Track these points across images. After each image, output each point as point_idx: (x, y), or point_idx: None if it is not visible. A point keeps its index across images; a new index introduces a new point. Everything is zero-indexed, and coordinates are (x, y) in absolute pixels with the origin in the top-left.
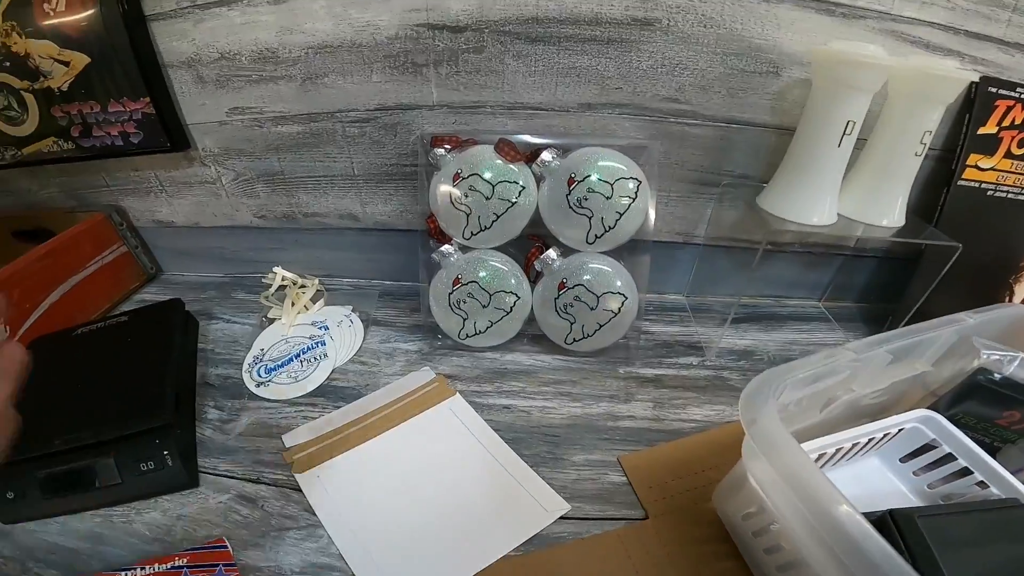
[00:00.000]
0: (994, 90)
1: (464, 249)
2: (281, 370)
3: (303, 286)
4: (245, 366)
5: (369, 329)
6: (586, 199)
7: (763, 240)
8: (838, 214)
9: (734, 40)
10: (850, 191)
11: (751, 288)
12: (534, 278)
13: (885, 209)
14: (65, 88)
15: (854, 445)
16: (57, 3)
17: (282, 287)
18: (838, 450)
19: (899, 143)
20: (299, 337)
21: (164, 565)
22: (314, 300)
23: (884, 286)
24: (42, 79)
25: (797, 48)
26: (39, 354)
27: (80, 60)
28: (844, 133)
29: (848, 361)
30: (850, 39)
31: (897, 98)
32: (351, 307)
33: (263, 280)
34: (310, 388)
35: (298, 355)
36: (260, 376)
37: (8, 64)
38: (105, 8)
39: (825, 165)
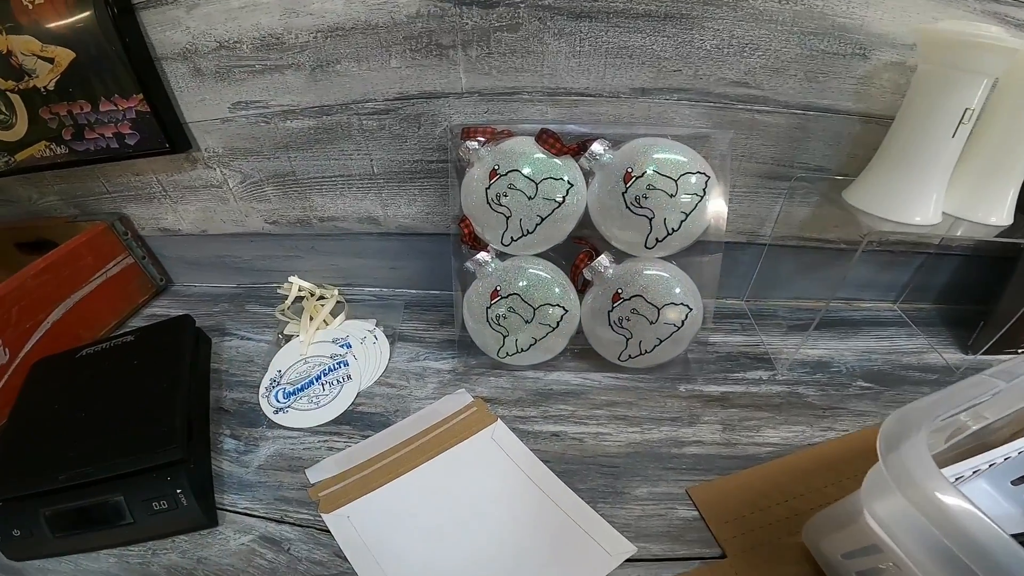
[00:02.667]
0: None
1: (502, 256)
2: (301, 394)
3: (321, 297)
4: (262, 390)
5: (395, 346)
6: (646, 197)
7: (862, 241)
8: (943, 212)
9: (814, 18)
10: (953, 186)
11: (837, 291)
12: (581, 287)
13: (993, 206)
14: (52, 87)
15: (974, 472)
16: None
17: (299, 298)
18: (958, 478)
19: (1013, 133)
20: (319, 356)
21: None
22: (334, 313)
23: (971, 287)
24: (27, 78)
25: (889, 28)
26: (41, 378)
27: (65, 56)
28: (960, 122)
29: (994, 391)
30: (949, 19)
31: (1013, 83)
32: (375, 320)
33: (278, 290)
34: (333, 415)
35: (319, 377)
36: (278, 401)
37: None
38: None
39: (935, 157)
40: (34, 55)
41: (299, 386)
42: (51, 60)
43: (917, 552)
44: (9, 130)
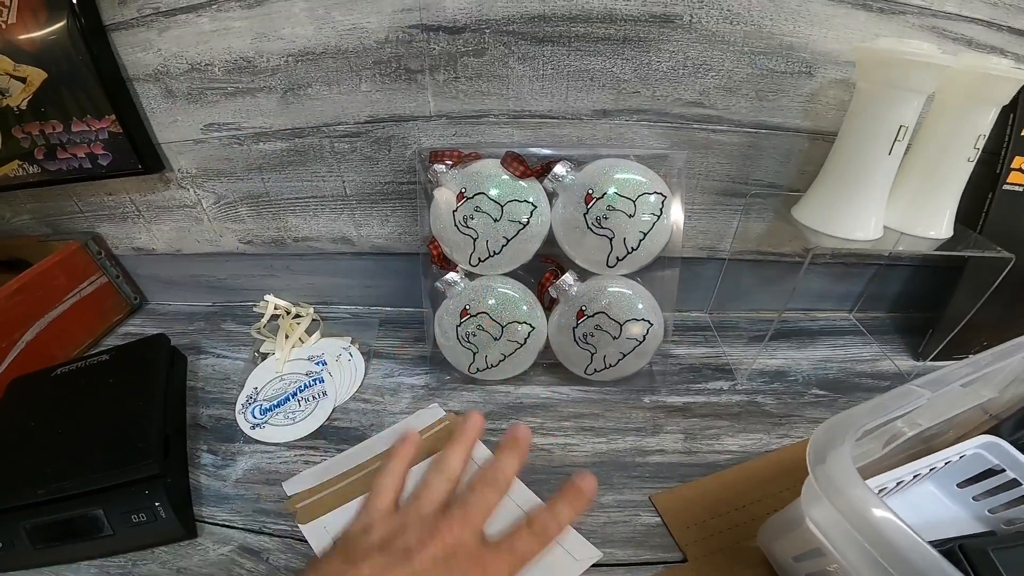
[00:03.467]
0: None
1: (471, 275)
2: (277, 411)
3: (297, 315)
4: (238, 407)
5: (371, 362)
6: (606, 218)
7: (806, 256)
8: (884, 227)
9: (763, 38)
10: (894, 201)
11: (788, 303)
12: (548, 304)
13: (932, 220)
14: (24, 107)
15: (915, 476)
16: (8, 15)
17: (275, 316)
18: (899, 483)
19: (950, 148)
20: (295, 374)
21: None
22: (309, 331)
23: (920, 295)
24: (0, 97)
25: (833, 46)
26: (17, 396)
27: (37, 76)
28: (895, 139)
29: (919, 401)
30: (889, 36)
31: (948, 99)
32: (350, 339)
33: (254, 309)
34: (309, 430)
35: (295, 394)
36: (255, 417)
37: None
38: (59, 19)
39: (873, 174)
40: (7, 74)
41: (275, 402)
42: (23, 80)
43: (852, 556)
44: None
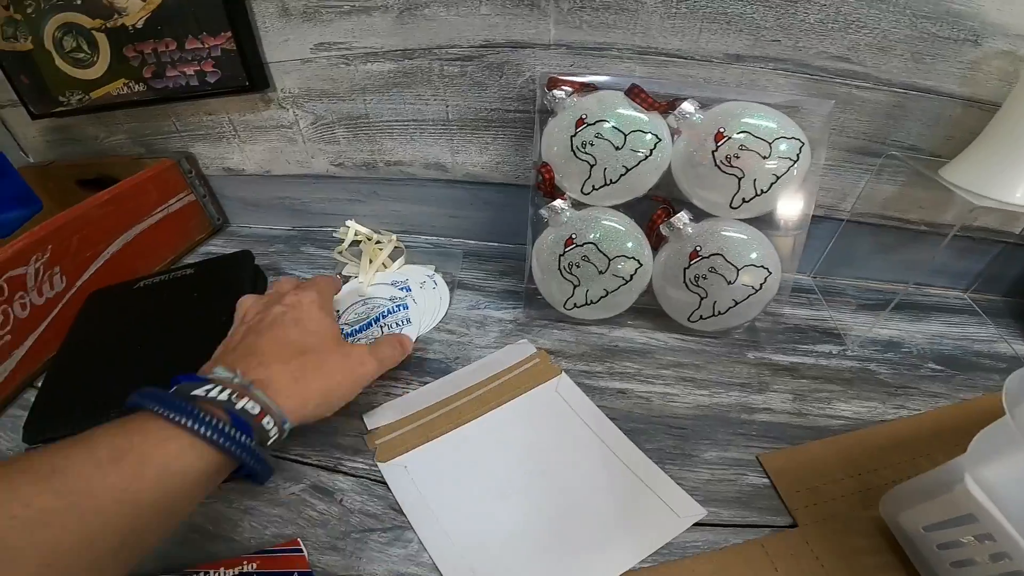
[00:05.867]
0: None
1: (577, 205)
2: (359, 335)
3: (379, 242)
4: None
5: (455, 293)
6: (737, 156)
7: (957, 218)
8: None
9: (930, 2)
10: None
11: (915, 274)
12: (655, 244)
13: None
14: (140, 25)
15: None
16: None
17: (355, 242)
18: None
19: None
20: (378, 298)
21: (231, 571)
22: (392, 258)
23: None
24: (116, 16)
25: (1006, 19)
26: (97, 308)
27: None
28: None
29: None
30: None
31: None
32: (433, 267)
33: (334, 234)
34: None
35: (378, 319)
36: None
37: (79, 2)
38: None
39: None
40: None
41: (358, 326)
42: None
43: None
44: (88, 68)
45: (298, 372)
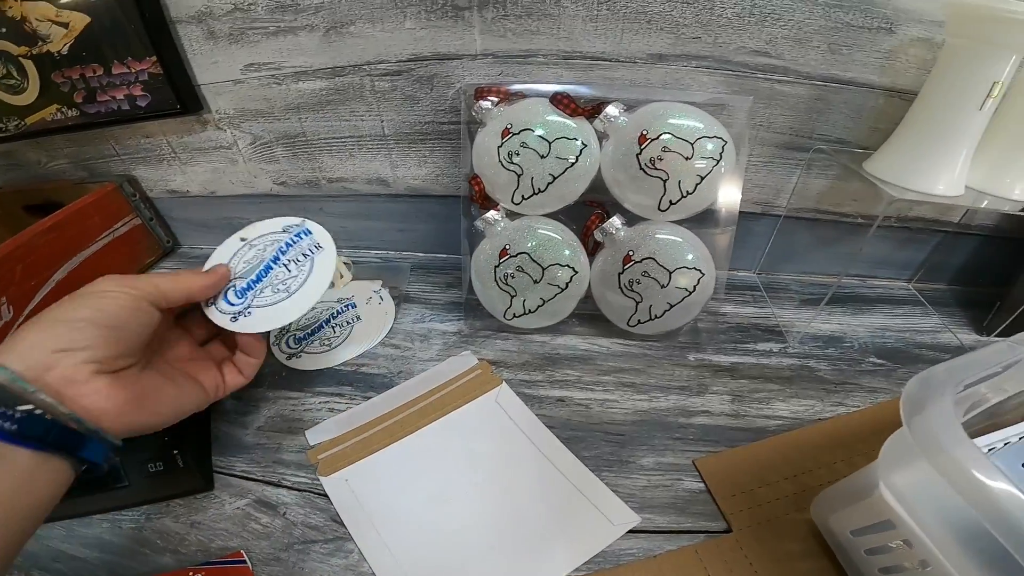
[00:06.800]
0: None
1: (511, 216)
2: (312, 339)
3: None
4: (272, 338)
5: (401, 307)
6: (660, 159)
7: (880, 212)
8: (965, 186)
9: None
10: (978, 161)
11: (850, 266)
12: (592, 250)
13: (1018, 179)
14: (65, 51)
15: (990, 450)
16: None
17: None
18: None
19: None
20: (326, 302)
21: None
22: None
23: (987, 268)
24: (40, 43)
25: (919, 4)
26: None
27: (80, 20)
28: (988, 95)
29: (1016, 361)
30: None
31: None
32: (380, 282)
33: None
34: (349, 356)
35: (328, 320)
36: (290, 347)
37: (4, 30)
38: None
39: (961, 129)
40: (49, 20)
41: (309, 330)
42: (66, 25)
43: (935, 525)
44: (20, 95)
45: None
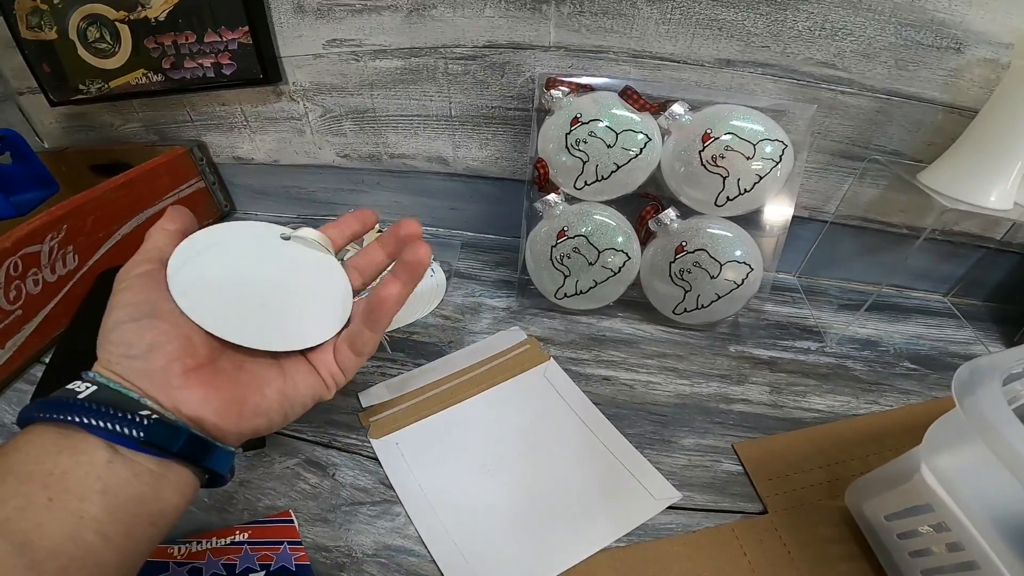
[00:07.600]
0: None
1: (570, 200)
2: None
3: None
4: None
5: (451, 282)
6: (723, 157)
7: (931, 221)
8: (1015, 202)
9: (914, 11)
10: None
11: (891, 276)
12: (644, 239)
13: None
14: (162, 18)
15: None
16: None
17: None
18: None
19: None
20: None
21: (223, 540)
22: None
23: (1022, 286)
24: (140, 9)
25: (988, 27)
26: (107, 287)
27: None
28: None
29: None
30: None
31: None
32: (432, 256)
33: None
34: (399, 323)
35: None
36: None
37: None
38: None
39: (1016, 147)
40: None
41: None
42: None
43: (976, 505)
44: (109, 58)
45: None
